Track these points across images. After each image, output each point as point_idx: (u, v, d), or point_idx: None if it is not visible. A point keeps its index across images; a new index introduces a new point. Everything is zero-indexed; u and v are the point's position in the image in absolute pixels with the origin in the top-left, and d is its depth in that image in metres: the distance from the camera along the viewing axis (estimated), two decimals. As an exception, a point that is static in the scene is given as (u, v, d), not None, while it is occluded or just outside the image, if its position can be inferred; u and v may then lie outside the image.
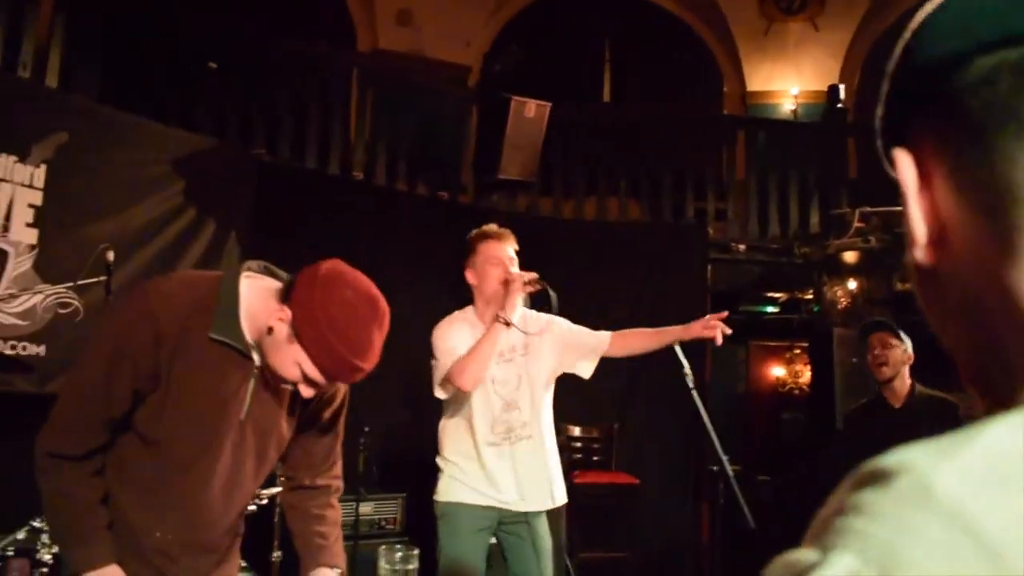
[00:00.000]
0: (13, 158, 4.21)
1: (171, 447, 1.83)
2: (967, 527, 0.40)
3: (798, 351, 9.03)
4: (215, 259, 4.98)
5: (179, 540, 1.89)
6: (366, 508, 4.64)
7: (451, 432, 3.22)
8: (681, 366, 3.06)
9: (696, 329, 3.09)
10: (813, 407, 7.38)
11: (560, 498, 3.29)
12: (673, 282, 6.44)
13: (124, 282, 4.06)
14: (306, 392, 1.77)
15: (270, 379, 1.83)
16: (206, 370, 1.78)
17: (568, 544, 5.21)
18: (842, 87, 8.70)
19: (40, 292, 4.17)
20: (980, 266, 0.52)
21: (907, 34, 0.56)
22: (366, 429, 4.37)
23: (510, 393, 3.17)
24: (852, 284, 7.01)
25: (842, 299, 7.04)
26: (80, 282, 3.59)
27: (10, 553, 3.10)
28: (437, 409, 3.27)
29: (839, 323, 6.74)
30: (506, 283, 3.12)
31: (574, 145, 7.41)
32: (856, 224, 6.82)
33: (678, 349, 3.08)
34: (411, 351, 3.31)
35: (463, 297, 3.29)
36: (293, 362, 1.71)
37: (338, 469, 2.17)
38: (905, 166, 0.56)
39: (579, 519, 5.39)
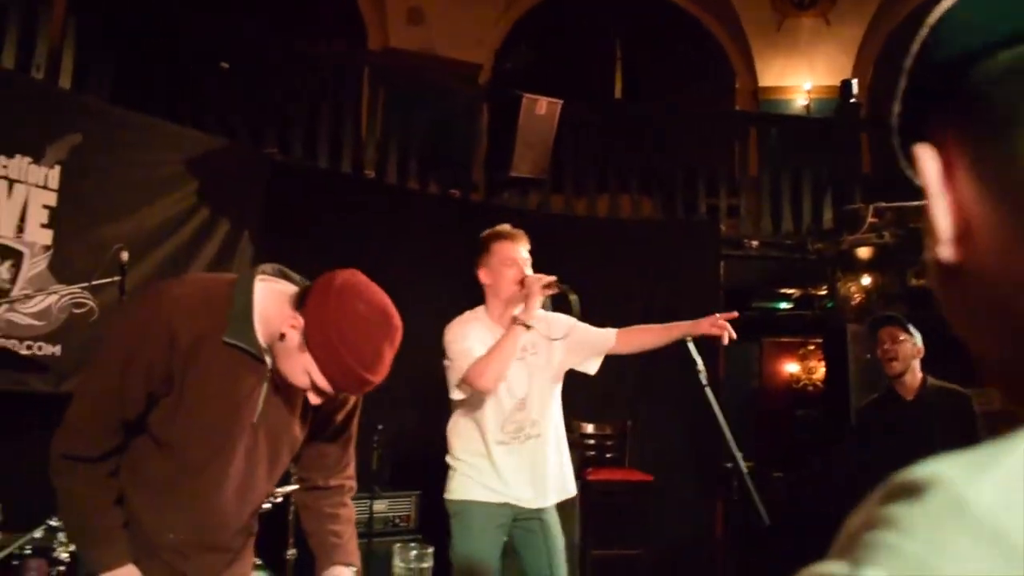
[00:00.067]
0: (27, 159, 4.23)
1: (184, 450, 1.83)
2: (1003, 544, 0.39)
3: (812, 347, 8.98)
4: (228, 259, 5.00)
5: (192, 541, 1.90)
6: (380, 506, 4.65)
7: (461, 431, 3.22)
8: (694, 363, 3.05)
9: (704, 326, 3.08)
10: (827, 403, 7.34)
11: (571, 490, 3.29)
12: (686, 279, 6.42)
13: (138, 282, 4.08)
14: (314, 400, 1.78)
15: (282, 383, 1.83)
16: (219, 373, 1.79)
17: (582, 542, 5.21)
18: (855, 82, 8.64)
19: (55, 292, 4.20)
20: (1006, 262, 0.51)
21: (925, 30, 0.56)
22: (379, 427, 4.38)
23: (521, 392, 3.17)
24: (866, 280, 6.97)
25: (856, 295, 7.01)
26: (95, 282, 3.60)
27: (28, 552, 3.11)
28: (449, 407, 3.27)
29: (853, 319, 6.70)
30: (522, 284, 3.12)
31: (586, 142, 7.39)
32: (870, 219, 6.78)
33: (691, 346, 3.07)
34: (424, 349, 3.31)
35: (475, 296, 3.28)
36: (302, 370, 1.72)
37: (351, 470, 2.17)
38: (928, 162, 0.55)
39: (593, 516, 5.39)
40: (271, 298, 1.81)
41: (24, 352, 4.11)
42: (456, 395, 3.13)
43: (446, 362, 3.15)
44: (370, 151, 6.71)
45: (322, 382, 1.71)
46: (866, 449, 3.97)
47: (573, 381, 3.36)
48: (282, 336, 1.72)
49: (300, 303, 1.73)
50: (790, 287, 8.44)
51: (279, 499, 3.46)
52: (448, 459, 3.25)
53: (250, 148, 5.82)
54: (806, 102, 9.41)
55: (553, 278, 3.10)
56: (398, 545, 2.37)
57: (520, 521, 3.19)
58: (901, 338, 3.88)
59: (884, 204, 6.73)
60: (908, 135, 0.58)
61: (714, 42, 9.97)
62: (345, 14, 9.06)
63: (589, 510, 5.37)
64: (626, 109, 8.82)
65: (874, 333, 4.01)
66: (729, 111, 9.40)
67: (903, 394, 3.90)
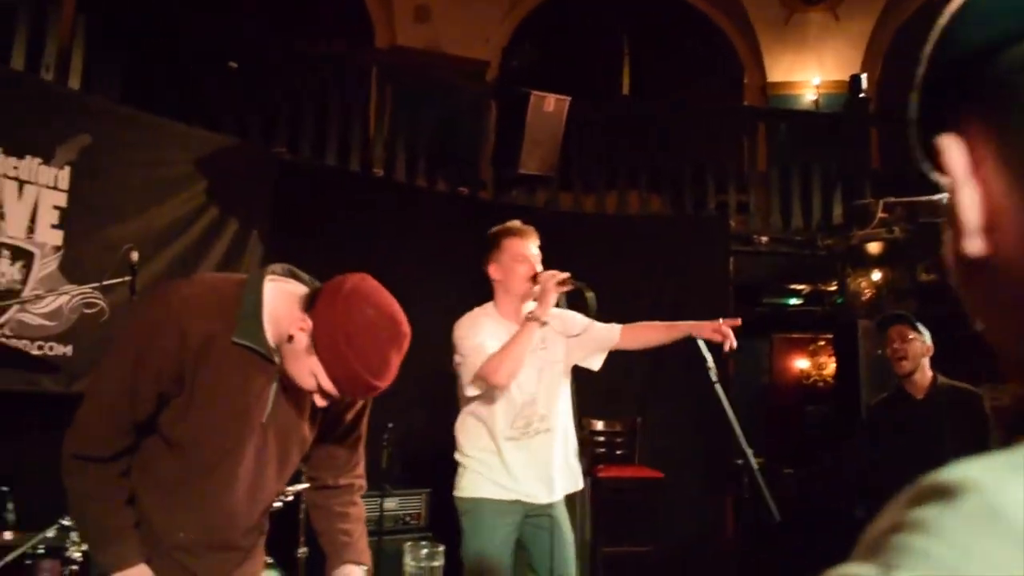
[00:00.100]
0: (38, 160, 4.25)
1: (194, 450, 1.84)
2: None
3: (822, 343, 8.96)
4: (237, 258, 5.01)
5: (203, 540, 1.91)
6: (390, 504, 4.65)
7: (469, 428, 3.22)
8: (704, 360, 3.04)
9: (707, 331, 3.08)
10: (838, 399, 7.32)
11: (578, 483, 3.29)
12: (695, 275, 6.41)
13: (148, 282, 4.09)
14: (320, 402, 1.79)
15: (291, 383, 1.83)
16: (229, 373, 1.79)
17: (592, 539, 5.21)
18: (864, 77, 8.61)
19: (66, 293, 4.22)
20: None
21: (944, 19, 0.55)
22: (390, 425, 4.38)
23: (532, 388, 3.17)
24: (876, 275, 6.94)
25: (866, 290, 6.98)
26: (105, 282, 3.61)
27: (40, 551, 3.12)
28: (457, 405, 3.27)
29: (863, 314, 6.67)
30: (534, 279, 3.12)
31: (594, 139, 7.38)
32: (879, 215, 6.75)
33: (701, 343, 3.06)
34: (433, 348, 3.31)
35: (484, 293, 3.28)
36: (309, 372, 1.72)
37: (361, 469, 2.17)
38: (954, 152, 0.54)
39: (603, 513, 5.38)
40: (281, 298, 1.81)
41: (36, 352, 4.13)
42: (470, 391, 3.13)
43: (457, 358, 3.15)
44: (378, 149, 6.72)
45: (328, 386, 1.72)
46: (876, 446, 3.96)
47: (583, 378, 3.36)
48: (290, 338, 1.73)
49: (309, 305, 1.74)
50: (800, 283, 8.41)
51: (290, 497, 3.46)
52: (457, 456, 3.24)
53: (259, 147, 5.83)
54: (815, 97, 9.39)
55: (567, 275, 3.11)
56: (409, 543, 2.37)
57: (531, 518, 3.19)
58: (910, 337, 3.86)
59: (894, 199, 6.70)
60: (928, 127, 0.57)
61: (722, 37, 9.95)
62: (352, 12, 9.08)
63: (599, 507, 5.36)
64: (634, 106, 8.81)
65: (883, 332, 4.00)
66: (738, 107, 9.39)
67: (913, 393, 3.88)
